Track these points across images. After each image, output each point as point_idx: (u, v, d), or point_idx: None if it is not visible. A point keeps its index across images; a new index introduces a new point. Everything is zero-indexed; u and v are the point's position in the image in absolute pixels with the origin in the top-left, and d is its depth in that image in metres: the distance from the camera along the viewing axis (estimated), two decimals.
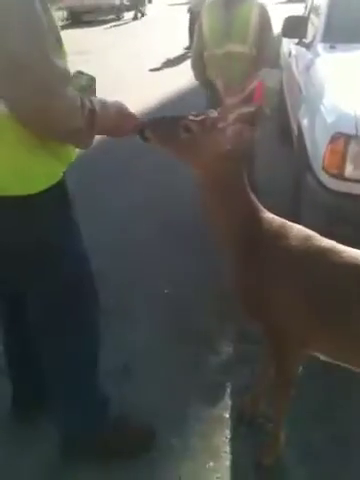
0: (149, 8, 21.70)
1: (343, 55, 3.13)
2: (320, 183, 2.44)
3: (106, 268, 3.14)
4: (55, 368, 1.84)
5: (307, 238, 1.71)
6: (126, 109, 1.69)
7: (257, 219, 1.73)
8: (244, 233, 1.73)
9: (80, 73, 1.85)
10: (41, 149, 1.49)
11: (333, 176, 2.35)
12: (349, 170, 2.30)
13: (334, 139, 2.33)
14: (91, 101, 1.50)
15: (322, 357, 1.80)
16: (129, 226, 3.77)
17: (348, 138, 2.28)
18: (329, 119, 2.45)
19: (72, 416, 1.90)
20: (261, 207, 1.77)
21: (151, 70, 9.86)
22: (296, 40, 4.02)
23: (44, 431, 2.06)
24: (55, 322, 1.76)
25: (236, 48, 3.80)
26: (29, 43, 1.29)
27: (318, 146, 2.50)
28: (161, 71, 9.94)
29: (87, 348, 1.85)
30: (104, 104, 1.58)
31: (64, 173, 1.62)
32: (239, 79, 3.84)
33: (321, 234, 2.31)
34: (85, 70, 1.86)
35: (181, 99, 7.15)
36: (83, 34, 16.23)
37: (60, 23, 19.86)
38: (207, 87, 4.08)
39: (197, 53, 4.00)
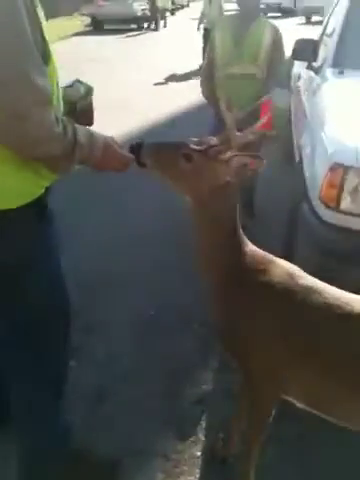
0: (172, 20, 21.92)
1: (351, 81, 3.03)
2: (316, 214, 2.34)
3: (90, 287, 3.10)
4: (15, 387, 1.75)
5: (289, 275, 1.63)
6: (114, 144, 1.60)
7: (240, 251, 1.66)
8: (226, 264, 1.66)
9: (78, 82, 1.79)
10: (18, 164, 1.41)
11: (329, 208, 2.25)
12: (346, 203, 2.19)
13: (332, 169, 2.23)
14: (75, 129, 1.42)
15: (299, 404, 1.69)
16: (113, 245, 3.67)
17: (346, 169, 2.18)
18: (329, 148, 2.36)
19: (28, 441, 1.79)
20: (246, 240, 1.70)
21: (156, 84, 9.83)
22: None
23: None
24: (20, 341, 1.67)
25: (246, 68, 3.75)
26: (8, 58, 1.22)
27: (316, 175, 2.40)
28: (165, 85, 9.89)
29: (50, 372, 1.75)
30: (91, 135, 1.50)
31: (47, 188, 1.54)
32: (247, 100, 3.80)
33: (314, 267, 2.23)
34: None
35: (184, 116, 7.08)
36: (100, 42, 16.34)
37: (82, 29, 20.16)
38: (214, 106, 4.03)
39: (207, 71, 3.96)
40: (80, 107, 1.75)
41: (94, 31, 19.70)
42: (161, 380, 2.44)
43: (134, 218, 4.10)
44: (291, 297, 1.58)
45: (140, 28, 20.42)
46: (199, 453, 2.07)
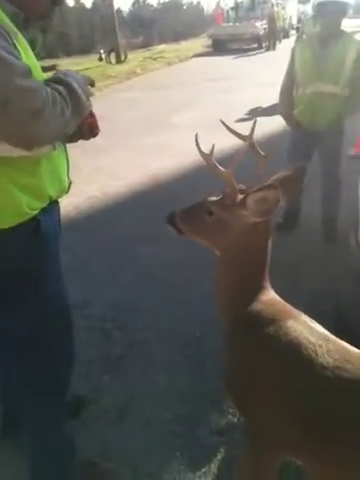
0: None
1: None
2: (359, 245, 2.17)
3: (126, 305, 3.19)
4: (19, 402, 1.83)
5: (303, 331, 1.45)
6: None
7: (256, 298, 1.56)
8: (237, 309, 1.58)
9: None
10: (10, 186, 1.49)
11: None
12: None
13: None
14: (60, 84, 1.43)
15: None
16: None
17: None
18: None
19: (34, 449, 1.87)
20: (269, 289, 1.61)
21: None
22: None
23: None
24: (22, 358, 1.75)
25: (327, 88, 3.63)
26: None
27: None
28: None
29: (52, 388, 1.81)
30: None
31: (45, 209, 1.61)
32: (328, 119, 3.65)
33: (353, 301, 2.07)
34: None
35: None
36: (216, 62, 16.68)
37: (202, 51, 20.77)
38: (292, 124, 3.93)
39: (286, 89, 3.89)
40: None
41: (214, 52, 20.18)
42: (189, 405, 2.40)
43: None
44: (299, 355, 1.40)
45: (262, 47, 20.46)
46: None
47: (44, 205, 1.60)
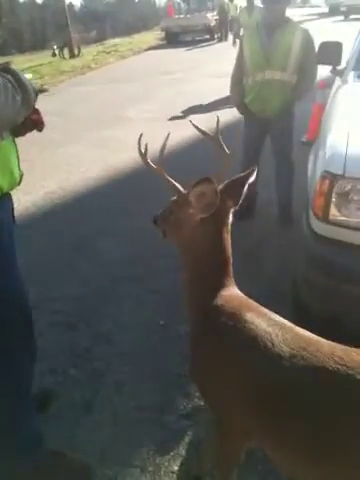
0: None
1: None
2: (309, 225, 2.24)
3: (89, 299, 3.20)
4: None
5: (261, 322, 1.46)
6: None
7: (216, 293, 1.58)
8: (198, 305, 1.61)
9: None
10: None
11: (319, 219, 2.14)
12: (333, 213, 2.08)
13: (322, 179, 2.12)
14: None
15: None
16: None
17: (334, 178, 2.06)
18: (325, 156, 2.25)
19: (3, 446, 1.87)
20: (231, 285, 1.63)
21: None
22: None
23: None
24: None
25: (275, 75, 3.70)
26: None
27: (312, 185, 2.30)
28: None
29: (15, 385, 1.81)
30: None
31: None
32: (277, 106, 3.73)
33: (305, 282, 2.13)
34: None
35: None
36: (169, 54, 16.69)
37: (155, 43, 20.70)
38: (244, 113, 3.99)
39: (236, 77, 3.94)
40: None
41: (167, 44, 20.15)
42: (156, 392, 2.43)
43: None
44: (257, 346, 1.40)
45: (215, 38, 20.53)
46: (177, 468, 2.05)
47: None
